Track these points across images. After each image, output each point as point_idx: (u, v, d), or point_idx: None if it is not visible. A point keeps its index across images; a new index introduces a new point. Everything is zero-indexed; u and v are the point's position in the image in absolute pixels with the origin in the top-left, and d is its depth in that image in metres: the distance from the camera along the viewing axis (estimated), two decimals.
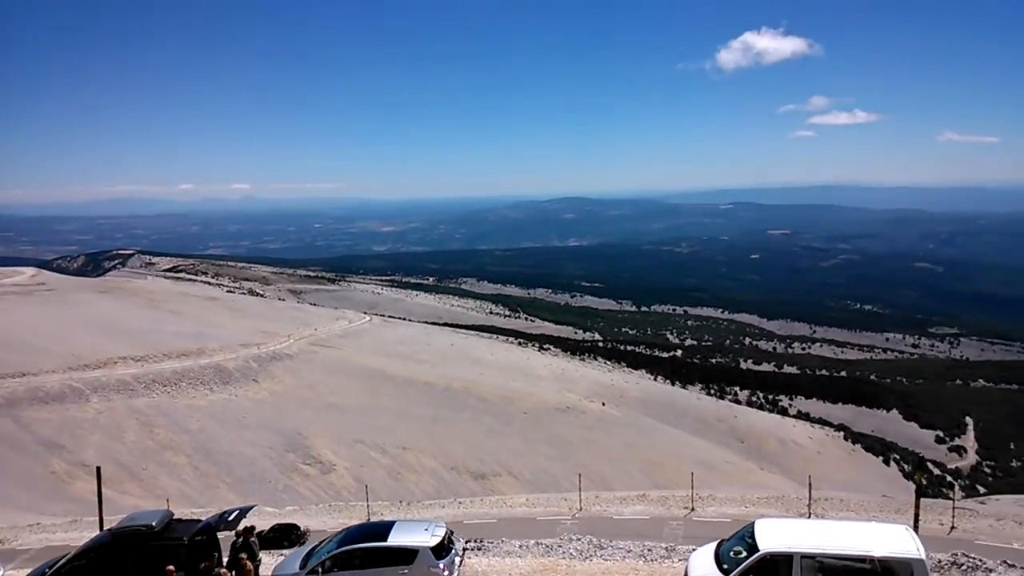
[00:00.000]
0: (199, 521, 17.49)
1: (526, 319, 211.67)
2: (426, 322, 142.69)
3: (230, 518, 17.65)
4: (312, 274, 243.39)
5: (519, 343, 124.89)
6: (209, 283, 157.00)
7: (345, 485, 40.75)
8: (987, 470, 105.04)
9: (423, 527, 17.15)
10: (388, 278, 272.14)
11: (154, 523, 16.12)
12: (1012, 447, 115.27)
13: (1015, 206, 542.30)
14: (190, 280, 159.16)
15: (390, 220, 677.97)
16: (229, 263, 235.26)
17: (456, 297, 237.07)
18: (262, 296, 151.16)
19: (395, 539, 16.58)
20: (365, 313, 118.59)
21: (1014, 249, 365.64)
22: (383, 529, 17.27)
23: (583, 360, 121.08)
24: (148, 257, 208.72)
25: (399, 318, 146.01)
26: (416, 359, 78.27)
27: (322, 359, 66.63)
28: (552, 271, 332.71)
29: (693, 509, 27.22)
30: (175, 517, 17.37)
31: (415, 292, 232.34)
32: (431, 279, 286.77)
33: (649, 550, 20.09)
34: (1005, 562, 19.71)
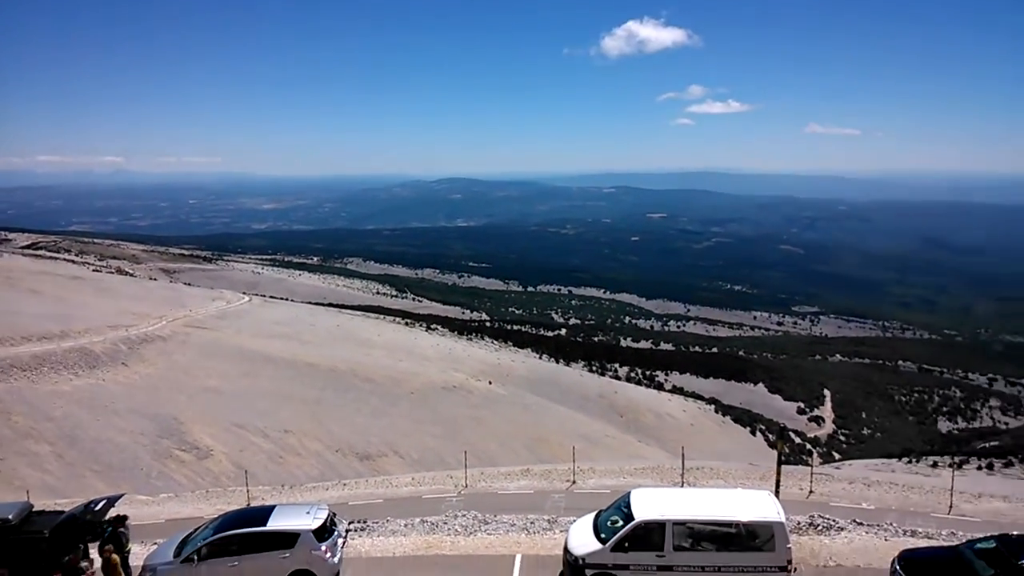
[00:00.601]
0: (62, 512, 16.57)
1: (414, 299, 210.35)
2: (310, 302, 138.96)
3: (96, 508, 16.81)
4: (186, 253, 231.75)
5: (406, 323, 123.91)
6: (73, 261, 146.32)
7: (224, 471, 39.40)
8: (842, 438, 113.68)
9: (305, 510, 16.91)
10: (269, 257, 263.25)
11: (11, 516, 15.18)
12: (863, 416, 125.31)
13: (871, 194, 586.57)
14: (51, 258, 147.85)
15: (272, 197, 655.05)
16: (95, 240, 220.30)
17: (342, 277, 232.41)
18: (132, 275, 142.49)
19: (275, 523, 16.26)
20: (244, 293, 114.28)
21: (869, 234, 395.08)
22: (263, 514, 16.91)
23: (470, 340, 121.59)
24: (3, 233, 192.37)
25: (281, 298, 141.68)
26: (299, 340, 76.34)
27: (198, 341, 63.84)
28: (440, 251, 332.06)
29: (575, 482, 28.04)
30: (35, 509, 16.39)
31: (299, 272, 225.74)
32: (316, 259, 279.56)
33: (532, 523, 20.63)
34: (855, 520, 21.50)
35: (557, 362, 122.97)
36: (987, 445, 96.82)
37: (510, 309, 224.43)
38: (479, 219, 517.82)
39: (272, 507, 17.35)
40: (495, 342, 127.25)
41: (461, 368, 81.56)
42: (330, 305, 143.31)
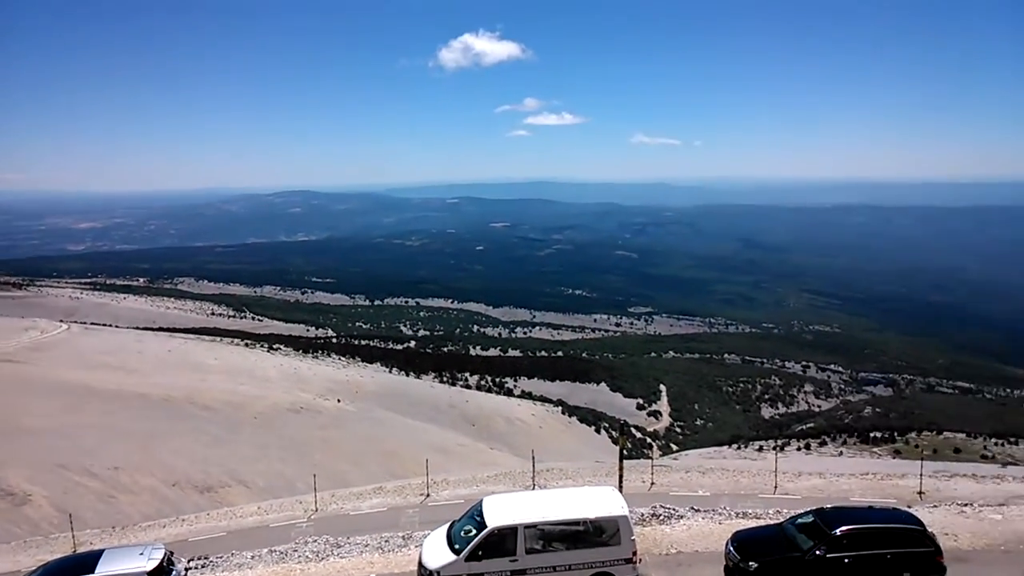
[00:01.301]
0: None
1: (253, 319, 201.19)
2: (138, 328, 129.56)
3: None
4: None
5: (246, 344, 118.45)
6: None
7: (44, 516, 35.86)
8: (678, 430, 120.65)
9: (138, 552, 15.85)
10: (89, 281, 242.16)
11: None
12: (696, 408, 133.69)
13: (694, 200, 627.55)
14: None
15: (88, 215, 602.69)
16: None
17: (172, 299, 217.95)
18: None
19: (105, 568, 15.12)
20: (62, 321, 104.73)
21: (694, 237, 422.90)
22: (90, 560, 15.65)
23: (317, 358, 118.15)
24: None
25: (105, 325, 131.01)
26: (126, 369, 70.99)
27: (8, 376, 57.84)
28: (280, 267, 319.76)
29: (429, 495, 28.01)
30: None
31: (123, 295, 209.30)
32: (142, 280, 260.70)
33: (386, 541, 20.40)
34: (692, 507, 22.92)
35: (407, 375, 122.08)
36: (804, 427, 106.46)
37: (357, 324, 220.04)
38: (320, 233, 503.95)
39: (101, 551, 16.12)
40: (343, 359, 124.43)
41: (308, 388, 79.09)
42: (160, 329, 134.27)
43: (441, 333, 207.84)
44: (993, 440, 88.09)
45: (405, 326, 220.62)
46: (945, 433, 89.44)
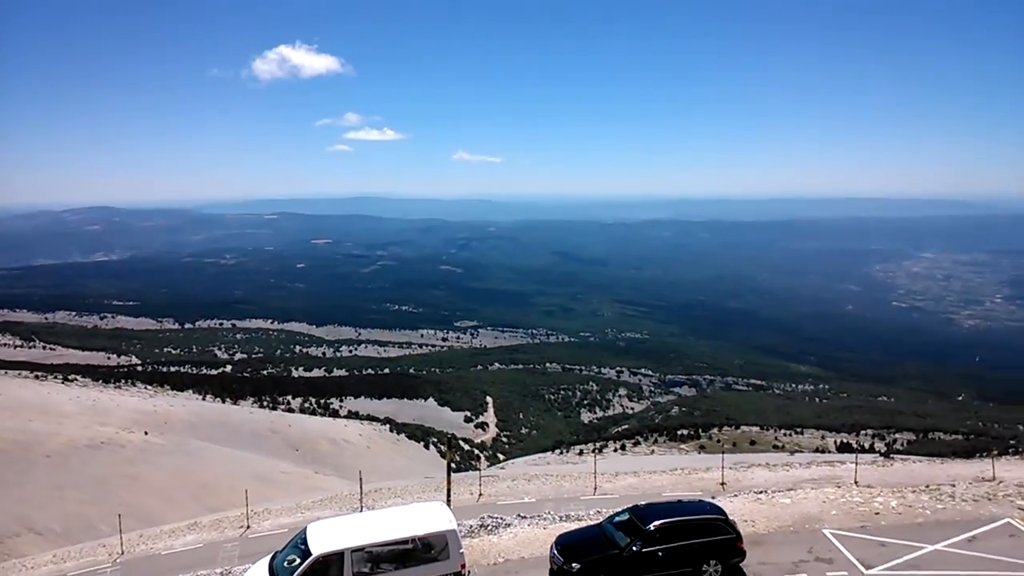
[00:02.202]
0: None
1: (44, 348, 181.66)
2: None
3: None
4: None
5: (36, 376, 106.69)
6: None
7: None
8: (504, 439, 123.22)
9: None
10: None
11: None
12: (521, 417, 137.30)
13: (516, 215, 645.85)
14: None
15: None
16: None
17: None
18: None
19: None
20: None
21: (516, 251, 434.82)
22: None
23: (119, 388, 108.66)
24: None
25: None
26: None
27: None
28: (76, 291, 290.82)
29: (249, 527, 26.76)
30: None
31: None
32: None
33: None
34: (519, 515, 23.57)
35: (223, 401, 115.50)
36: (620, 429, 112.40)
37: (166, 349, 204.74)
38: (122, 252, 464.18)
39: None
40: (149, 387, 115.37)
41: (109, 421, 72.61)
42: None
43: (260, 355, 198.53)
44: (783, 431, 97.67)
45: (220, 350, 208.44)
46: (742, 427, 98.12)
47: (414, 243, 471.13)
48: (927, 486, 25.80)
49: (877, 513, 22.04)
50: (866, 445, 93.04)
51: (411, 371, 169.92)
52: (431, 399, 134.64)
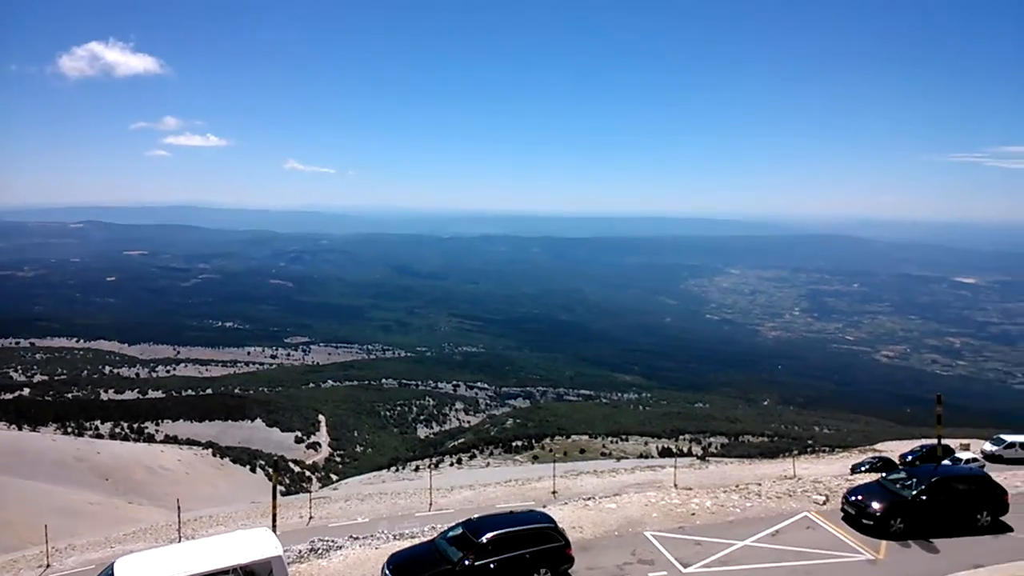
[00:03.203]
0: None
1: None
2: None
3: None
4: None
5: None
6: None
7: None
8: (338, 459, 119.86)
9: None
10: None
11: None
12: (356, 435, 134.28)
13: (350, 228, 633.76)
14: None
15: None
16: None
17: None
18: None
19: None
20: None
21: (350, 265, 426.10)
22: None
23: None
24: None
25: None
26: None
27: None
28: None
29: (50, 565, 24.28)
30: None
31: None
32: None
33: None
34: (351, 536, 22.96)
35: (20, 428, 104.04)
36: (456, 443, 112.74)
37: None
38: None
39: None
40: None
41: None
42: None
43: (64, 377, 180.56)
44: (610, 439, 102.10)
45: (16, 371, 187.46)
46: (573, 436, 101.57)
47: (241, 255, 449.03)
48: (737, 486, 27.89)
49: (693, 514, 23.52)
50: (685, 449, 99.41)
51: (236, 391, 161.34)
52: (259, 420, 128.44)
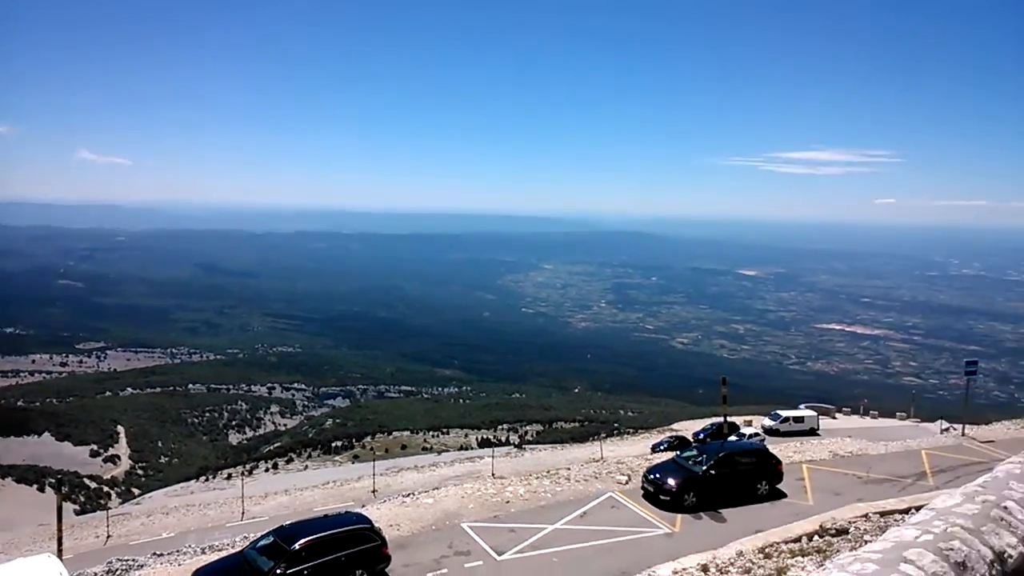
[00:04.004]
0: None
1: None
2: None
3: None
4: None
5: None
6: None
7: None
8: (140, 472, 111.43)
9: None
10: None
11: None
12: (160, 445, 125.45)
13: (149, 224, 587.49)
14: None
15: None
16: None
17: None
18: None
19: None
20: None
21: (150, 263, 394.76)
22: None
23: None
24: None
25: None
26: None
27: None
28: None
29: None
30: None
31: None
32: None
33: None
34: (154, 553, 21.75)
35: None
36: (272, 448, 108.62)
37: None
38: None
39: None
40: None
41: None
42: None
43: None
44: (431, 433, 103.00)
45: None
46: (394, 433, 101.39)
47: (22, 253, 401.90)
48: (549, 472, 29.39)
49: (508, 502, 24.55)
50: (503, 439, 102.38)
51: (20, 403, 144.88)
52: (47, 434, 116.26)
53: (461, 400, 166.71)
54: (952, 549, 3.67)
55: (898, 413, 65.52)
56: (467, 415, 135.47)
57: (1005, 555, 3.94)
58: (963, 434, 40.27)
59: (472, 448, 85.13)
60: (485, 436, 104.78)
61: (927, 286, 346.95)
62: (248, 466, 78.39)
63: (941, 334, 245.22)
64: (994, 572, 3.80)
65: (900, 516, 17.62)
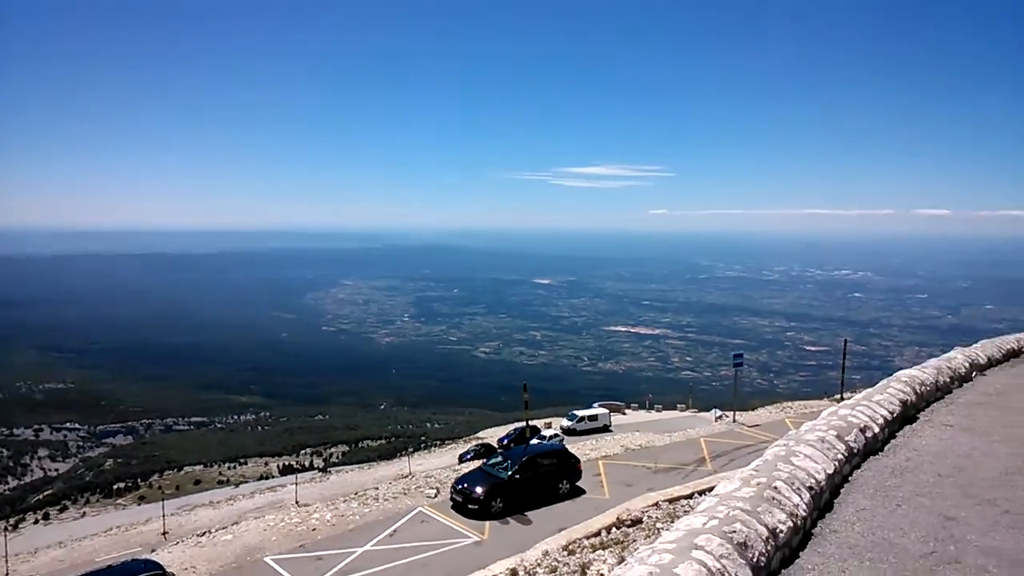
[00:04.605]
0: None
1: None
2: None
3: None
4: None
5: None
6: None
7: None
8: None
9: None
10: None
11: None
12: None
13: None
14: None
15: None
16: None
17: None
18: None
19: None
20: None
21: None
22: None
23: None
24: None
25: None
26: None
27: None
28: None
29: None
30: None
31: None
32: None
33: None
34: None
35: None
36: (41, 496, 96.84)
37: None
38: None
39: None
40: None
41: None
42: None
43: None
44: (227, 465, 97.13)
45: None
46: (185, 468, 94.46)
47: None
48: (356, 493, 28.80)
49: (314, 529, 23.72)
50: (307, 464, 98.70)
51: None
52: None
53: (260, 427, 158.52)
54: (735, 531, 4.09)
55: (678, 405, 71.42)
56: (267, 442, 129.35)
57: (777, 531, 4.47)
58: (734, 420, 44.78)
59: (274, 477, 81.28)
60: (287, 463, 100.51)
61: (698, 288, 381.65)
62: (12, 520, 69.29)
63: (711, 330, 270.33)
64: (769, 547, 4.29)
65: (685, 501, 19.20)
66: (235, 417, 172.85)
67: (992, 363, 11.76)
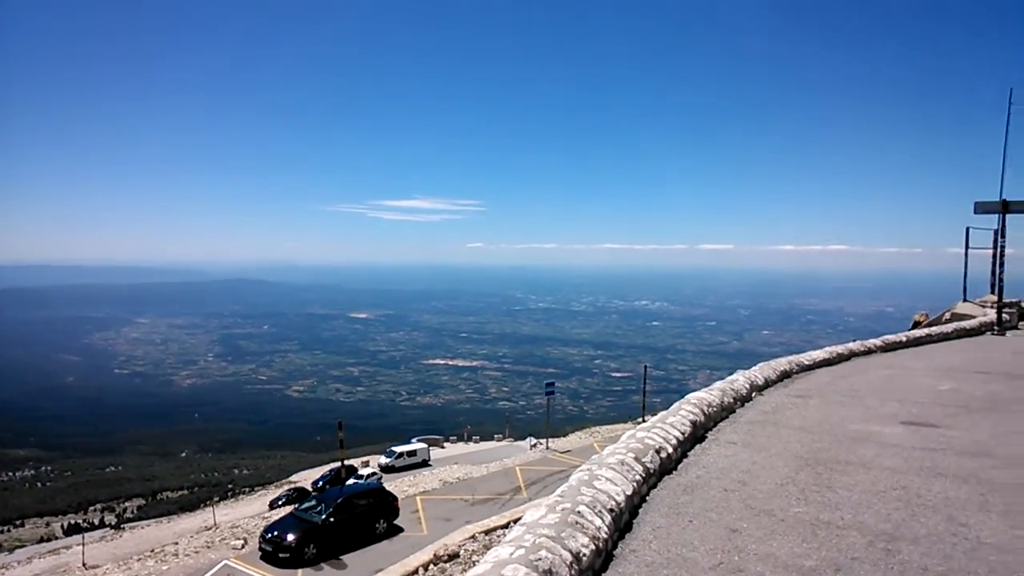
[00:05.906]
0: None
1: None
2: None
3: None
4: None
5: None
6: None
7: None
8: None
9: None
10: None
11: None
12: None
13: None
14: None
15: None
16: None
17: None
18: None
19: None
20: None
21: None
22: None
23: None
24: None
25: None
26: None
27: None
28: None
29: None
30: None
31: None
32: None
33: None
34: None
35: None
36: None
37: None
38: None
39: None
40: None
41: None
42: None
43: None
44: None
45: None
46: None
47: None
48: (153, 550, 26.50)
49: None
50: (96, 521, 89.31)
51: None
52: None
53: (40, 483, 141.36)
54: (540, 559, 4.24)
55: (496, 436, 72.70)
56: (48, 500, 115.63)
57: (580, 555, 4.68)
58: (547, 447, 46.19)
59: (57, 538, 72.71)
60: (73, 521, 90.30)
61: (512, 319, 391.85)
62: None
63: (526, 360, 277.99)
64: (573, 571, 4.48)
65: (501, 531, 19.50)
66: (10, 474, 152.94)
67: (768, 384, 13.07)
